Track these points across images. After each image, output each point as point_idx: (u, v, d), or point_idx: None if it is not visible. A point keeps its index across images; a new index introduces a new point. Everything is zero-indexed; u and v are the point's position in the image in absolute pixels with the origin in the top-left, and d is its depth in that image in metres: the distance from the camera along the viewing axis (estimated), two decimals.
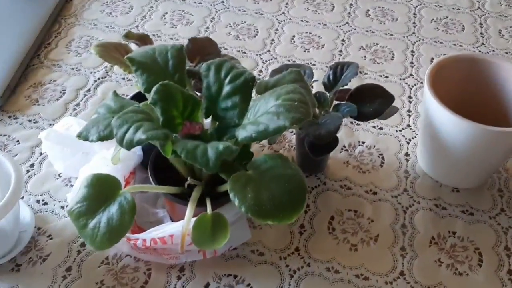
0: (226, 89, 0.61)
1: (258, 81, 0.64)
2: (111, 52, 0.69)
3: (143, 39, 0.70)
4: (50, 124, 0.86)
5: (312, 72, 0.77)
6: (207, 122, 0.65)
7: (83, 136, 0.59)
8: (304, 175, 0.79)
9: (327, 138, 0.66)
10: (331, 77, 0.75)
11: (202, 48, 0.76)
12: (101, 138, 0.59)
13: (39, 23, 1.02)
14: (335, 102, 0.77)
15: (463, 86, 0.81)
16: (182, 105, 0.61)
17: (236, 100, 0.61)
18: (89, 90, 0.92)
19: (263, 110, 0.57)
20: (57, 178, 0.78)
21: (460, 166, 0.75)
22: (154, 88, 0.59)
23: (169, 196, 0.63)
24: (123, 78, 0.95)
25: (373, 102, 0.72)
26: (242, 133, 0.56)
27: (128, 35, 0.69)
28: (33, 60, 0.98)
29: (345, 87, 0.75)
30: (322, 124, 0.69)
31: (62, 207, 0.74)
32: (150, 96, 0.59)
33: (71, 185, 0.76)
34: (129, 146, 0.54)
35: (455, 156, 0.74)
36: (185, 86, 0.64)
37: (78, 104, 0.89)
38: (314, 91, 0.76)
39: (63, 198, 0.75)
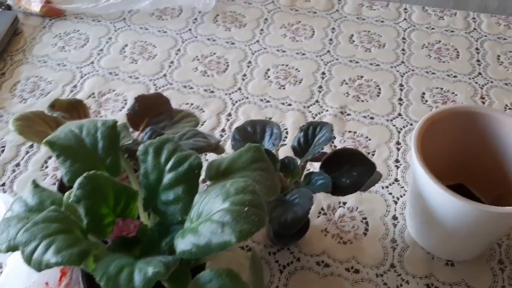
0: (168, 177, 0.50)
1: (209, 162, 0.53)
2: (36, 126, 0.57)
3: (74, 108, 0.59)
4: None
5: (280, 132, 0.65)
6: None
7: None
8: (275, 248, 0.69)
9: (294, 227, 0.55)
10: (301, 140, 0.64)
11: (151, 107, 0.65)
12: (11, 249, 0.47)
13: None
14: (308, 165, 0.66)
15: (458, 141, 0.70)
16: (113, 199, 0.50)
17: (179, 192, 0.50)
18: (32, 146, 0.81)
19: (207, 213, 0.46)
20: None
21: (455, 239, 0.65)
22: (76, 182, 0.48)
23: None
24: None
25: (351, 172, 0.61)
26: (180, 245, 0.45)
27: (55, 106, 0.57)
28: None
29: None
30: (289, 205, 0.58)
31: None
32: (72, 192, 0.48)
33: (1, 272, 0.66)
34: (38, 268, 0.43)
35: (449, 230, 0.63)
36: (119, 172, 0.53)
37: (18, 165, 0.78)
38: (282, 155, 0.65)
39: None
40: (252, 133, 0.67)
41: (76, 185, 0.48)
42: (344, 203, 0.74)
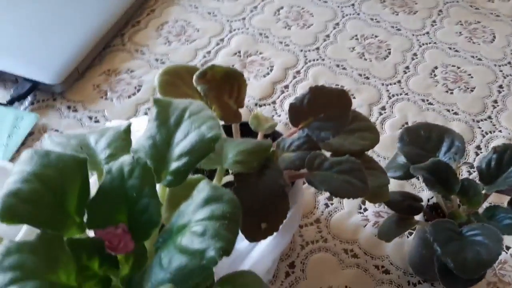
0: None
1: None
2: (183, 87, 0.48)
3: (229, 81, 0.46)
4: None
5: (463, 146, 0.53)
6: None
7: None
8: (416, 279, 0.57)
9: (475, 271, 0.43)
10: (492, 163, 0.51)
11: (324, 105, 0.51)
12: None
13: None
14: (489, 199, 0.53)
15: None
16: None
17: None
18: None
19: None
20: None
21: None
22: None
23: None
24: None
25: None
26: None
27: (206, 74, 0.45)
28: (115, 39, 0.82)
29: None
30: (468, 241, 0.46)
31: None
32: None
33: None
34: None
35: None
36: None
37: (150, 108, 0.73)
38: (463, 175, 0.53)
39: None
40: (425, 138, 0.56)
41: None
42: (508, 248, 0.61)
